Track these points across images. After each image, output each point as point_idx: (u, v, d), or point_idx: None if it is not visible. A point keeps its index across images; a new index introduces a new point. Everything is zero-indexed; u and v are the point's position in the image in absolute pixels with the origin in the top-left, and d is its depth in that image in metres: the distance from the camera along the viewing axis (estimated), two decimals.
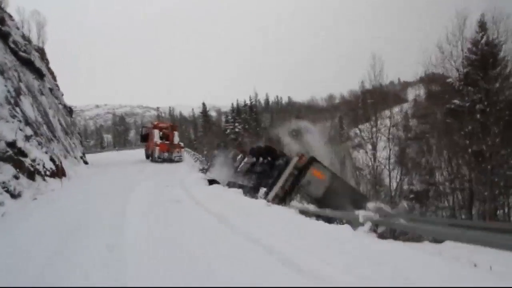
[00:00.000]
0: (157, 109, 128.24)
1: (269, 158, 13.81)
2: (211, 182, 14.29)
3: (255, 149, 15.49)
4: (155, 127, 27.51)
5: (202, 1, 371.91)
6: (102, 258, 5.01)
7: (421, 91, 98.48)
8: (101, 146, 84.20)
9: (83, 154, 24.43)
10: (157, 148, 24.73)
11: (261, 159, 14.28)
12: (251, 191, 12.54)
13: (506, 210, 17.96)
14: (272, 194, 11.28)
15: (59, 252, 5.44)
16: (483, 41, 18.09)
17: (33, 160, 13.06)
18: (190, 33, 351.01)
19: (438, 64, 20.21)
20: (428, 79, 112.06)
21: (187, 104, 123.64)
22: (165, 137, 26.04)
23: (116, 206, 9.36)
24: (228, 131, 47.91)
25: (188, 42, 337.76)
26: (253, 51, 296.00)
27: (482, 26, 18.40)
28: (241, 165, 15.24)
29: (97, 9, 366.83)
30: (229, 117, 52.43)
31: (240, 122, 48.24)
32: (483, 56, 18.06)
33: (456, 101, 19.26)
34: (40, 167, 13.35)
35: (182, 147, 27.20)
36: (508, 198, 17.61)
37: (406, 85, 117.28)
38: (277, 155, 13.68)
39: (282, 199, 11.10)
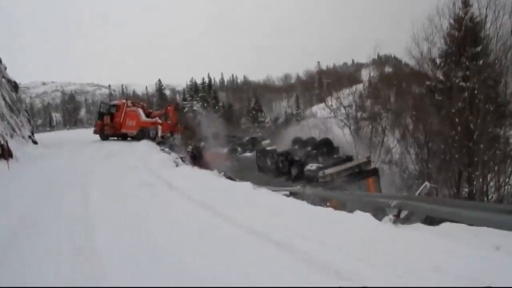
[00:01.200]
0: (109, 86, 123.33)
1: (324, 149, 15.28)
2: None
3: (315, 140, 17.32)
4: (134, 104, 26.14)
5: None
6: None
7: (374, 73, 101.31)
8: (50, 125, 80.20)
9: (32, 133, 22.59)
10: (160, 127, 23.46)
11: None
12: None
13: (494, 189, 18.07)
14: (329, 171, 12.44)
15: None
16: (467, 17, 17.93)
17: None
18: (142, 8, 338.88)
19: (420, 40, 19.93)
20: (381, 61, 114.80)
21: (139, 82, 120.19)
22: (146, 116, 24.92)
23: (76, 193, 8.36)
24: (186, 109, 46.74)
25: (139, 17, 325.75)
26: (207, 29, 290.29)
27: (466, 1, 18.26)
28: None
29: None
30: (187, 95, 51.10)
31: (198, 100, 47.17)
32: (466, 33, 17.94)
33: (440, 77, 19.18)
34: None
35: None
36: (499, 177, 17.76)
37: (360, 66, 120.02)
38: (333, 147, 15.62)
39: (330, 180, 12.12)
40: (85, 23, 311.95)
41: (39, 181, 10.21)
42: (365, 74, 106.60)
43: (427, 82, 20.33)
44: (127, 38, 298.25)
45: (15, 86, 26.24)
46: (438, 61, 19.69)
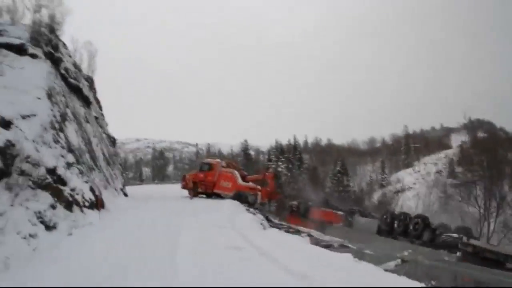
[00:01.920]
0: (196, 145, 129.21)
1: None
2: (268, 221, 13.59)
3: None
4: (229, 165, 26.32)
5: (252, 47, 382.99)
6: None
7: (465, 138, 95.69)
8: (140, 179, 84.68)
9: (124, 186, 23.65)
10: (260, 193, 23.25)
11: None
12: None
13: None
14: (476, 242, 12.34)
15: None
16: None
17: (73, 189, 12.17)
18: (227, 72, 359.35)
19: None
20: (473, 126, 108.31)
21: (224, 142, 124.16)
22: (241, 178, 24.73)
23: (162, 251, 8.10)
24: (271, 170, 46.92)
25: (225, 80, 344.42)
26: (293, 92, 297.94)
27: None
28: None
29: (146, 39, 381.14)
30: (272, 156, 51.50)
31: (283, 161, 47.16)
32: None
33: None
34: (79, 197, 12.42)
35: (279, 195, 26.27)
36: None
37: (448, 131, 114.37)
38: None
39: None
40: (176, 85, 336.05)
41: (122, 238, 9.96)
42: (455, 139, 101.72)
43: None
44: (214, 97, 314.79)
45: (113, 141, 28.25)
46: None
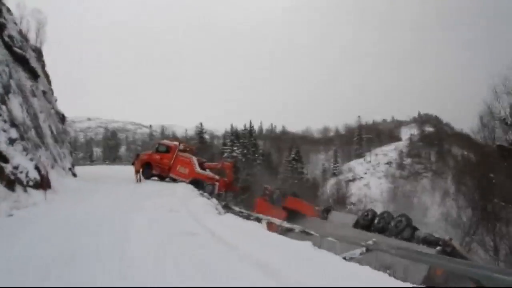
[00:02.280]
0: (150, 127, 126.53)
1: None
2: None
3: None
4: (186, 149, 24.99)
5: (205, 27, 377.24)
6: None
7: (415, 131, 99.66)
8: (90, 159, 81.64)
9: (72, 165, 22.36)
10: (218, 184, 22.16)
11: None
12: None
13: None
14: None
15: None
16: None
17: (15, 167, 11.29)
18: (189, 55, 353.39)
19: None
20: (422, 120, 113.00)
21: (179, 124, 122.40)
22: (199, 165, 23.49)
23: (112, 237, 7.43)
24: (226, 154, 46.35)
25: (183, 64, 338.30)
26: (249, 79, 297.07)
27: None
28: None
29: (102, 12, 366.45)
30: (227, 140, 50.96)
31: (239, 146, 46.73)
32: None
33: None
34: (22, 176, 11.53)
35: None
36: None
37: (399, 123, 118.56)
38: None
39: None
40: (132, 64, 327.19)
41: (70, 222, 9.10)
42: (404, 132, 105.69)
43: (497, 143, 18.90)
44: (169, 79, 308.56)
45: (62, 118, 26.62)
46: (509, 120, 18.23)
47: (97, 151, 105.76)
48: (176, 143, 25.30)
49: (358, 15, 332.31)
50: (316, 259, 6.34)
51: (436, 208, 71.54)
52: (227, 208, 14.96)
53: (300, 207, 21.90)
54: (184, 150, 24.15)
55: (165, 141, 26.81)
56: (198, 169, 22.73)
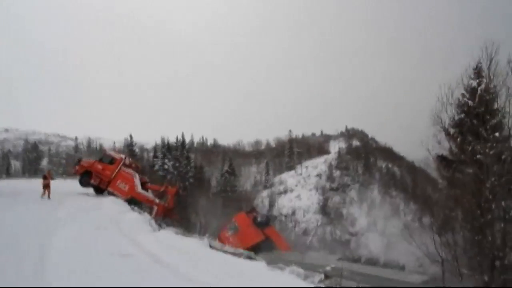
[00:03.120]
0: (76, 139, 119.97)
1: None
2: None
3: None
4: (131, 165, 23.33)
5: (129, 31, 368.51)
6: None
7: (343, 145, 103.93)
8: (6, 172, 75.55)
9: None
10: (156, 208, 20.67)
11: None
12: None
13: None
14: None
15: None
16: (481, 87, 17.55)
17: None
18: (116, 65, 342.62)
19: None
20: (349, 134, 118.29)
21: (106, 137, 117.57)
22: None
23: (32, 260, 6.46)
24: (157, 167, 44.94)
25: (110, 73, 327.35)
26: (179, 92, 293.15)
27: (479, 73, 18.01)
28: None
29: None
30: (159, 153, 49.50)
31: (170, 159, 45.53)
32: (480, 103, 17.49)
33: (453, 149, 18.44)
34: None
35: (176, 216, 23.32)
36: None
37: (327, 137, 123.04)
38: None
39: None
40: (52, 72, 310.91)
41: None
42: (333, 146, 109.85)
43: (435, 152, 19.58)
44: (96, 90, 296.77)
45: None
46: (451, 130, 18.93)
47: (16, 164, 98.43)
48: (123, 156, 23.81)
49: (292, 22, 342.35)
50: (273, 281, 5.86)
51: (363, 218, 75.03)
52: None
53: (277, 240, 21.95)
54: (129, 166, 22.78)
55: (112, 152, 25.34)
56: (139, 188, 21.28)
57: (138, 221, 12.27)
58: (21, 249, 7.37)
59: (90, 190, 22.20)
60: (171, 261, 6.70)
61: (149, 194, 21.65)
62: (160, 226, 13.87)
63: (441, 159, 19.14)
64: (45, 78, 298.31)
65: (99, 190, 21.92)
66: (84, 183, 21.96)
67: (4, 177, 52.40)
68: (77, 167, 22.42)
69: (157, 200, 21.22)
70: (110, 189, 21.46)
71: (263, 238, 21.28)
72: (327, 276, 7.51)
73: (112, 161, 22.30)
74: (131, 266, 6.36)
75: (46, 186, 18.76)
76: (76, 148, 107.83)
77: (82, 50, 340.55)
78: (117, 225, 11.30)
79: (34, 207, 15.17)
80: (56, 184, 21.39)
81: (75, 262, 6.50)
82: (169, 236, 9.93)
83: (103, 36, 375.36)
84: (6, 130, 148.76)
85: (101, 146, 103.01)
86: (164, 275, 5.98)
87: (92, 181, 21.88)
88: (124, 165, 22.41)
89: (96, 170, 21.90)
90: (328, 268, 7.70)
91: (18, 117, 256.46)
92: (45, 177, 19.49)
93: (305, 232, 64.48)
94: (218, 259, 7.29)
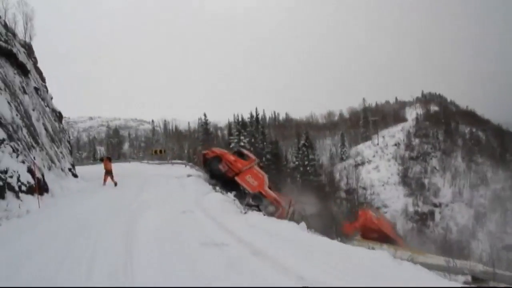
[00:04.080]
0: (152, 122, 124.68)
1: None
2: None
3: None
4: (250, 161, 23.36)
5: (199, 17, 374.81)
6: None
7: (419, 111, 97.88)
8: (93, 158, 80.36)
9: (72, 165, 20.93)
10: (280, 210, 20.06)
11: None
12: None
13: None
14: None
15: None
16: None
17: (4, 172, 9.96)
18: (184, 50, 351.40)
19: None
20: (425, 99, 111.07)
21: (180, 118, 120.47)
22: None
23: (114, 254, 5.95)
24: (233, 144, 44.84)
25: (181, 58, 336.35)
26: (247, 68, 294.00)
27: None
28: None
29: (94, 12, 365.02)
30: (234, 130, 49.37)
31: (246, 135, 45.21)
32: None
33: None
34: (12, 181, 10.23)
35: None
36: None
37: (403, 104, 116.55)
38: None
39: None
40: (130, 60, 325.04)
41: (67, 229, 7.90)
42: (409, 112, 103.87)
43: None
44: (169, 73, 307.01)
45: (59, 116, 25.16)
46: None
47: (101, 149, 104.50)
48: (255, 158, 24.11)
49: None
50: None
51: (447, 188, 70.55)
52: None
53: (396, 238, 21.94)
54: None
55: (248, 152, 25.68)
56: (267, 188, 21.19)
57: (224, 202, 11.50)
58: (109, 230, 7.33)
59: (169, 171, 22.37)
60: (273, 252, 5.57)
61: (275, 196, 21.26)
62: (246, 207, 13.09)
63: None
64: (117, 67, 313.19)
65: (217, 177, 22.19)
66: (213, 166, 22.44)
67: (91, 163, 55.42)
68: (208, 151, 23.22)
69: (283, 203, 20.78)
70: (238, 179, 21.33)
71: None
72: (474, 278, 6.22)
73: (246, 157, 22.75)
74: (229, 259, 5.42)
75: (108, 172, 17.26)
76: (153, 130, 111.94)
77: (154, 37, 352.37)
78: (202, 207, 10.66)
79: (116, 192, 15.34)
80: (141, 166, 21.90)
81: (165, 257, 5.76)
82: (260, 218, 8.96)
83: (174, 21, 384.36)
84: (90, 118, 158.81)
85: (176, 127, 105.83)
86: (270, 272, 4.90)
87: (220, 167, 22.14)
88: (256, 164, 22.81)
89: (227, 159, 22.23)
90: (477, 270, 6.35)
91: (100, 105, 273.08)
92: (105, 162, 17.75)
93: (385, 205, 61.83)
94: (329, 247, 6.08)
